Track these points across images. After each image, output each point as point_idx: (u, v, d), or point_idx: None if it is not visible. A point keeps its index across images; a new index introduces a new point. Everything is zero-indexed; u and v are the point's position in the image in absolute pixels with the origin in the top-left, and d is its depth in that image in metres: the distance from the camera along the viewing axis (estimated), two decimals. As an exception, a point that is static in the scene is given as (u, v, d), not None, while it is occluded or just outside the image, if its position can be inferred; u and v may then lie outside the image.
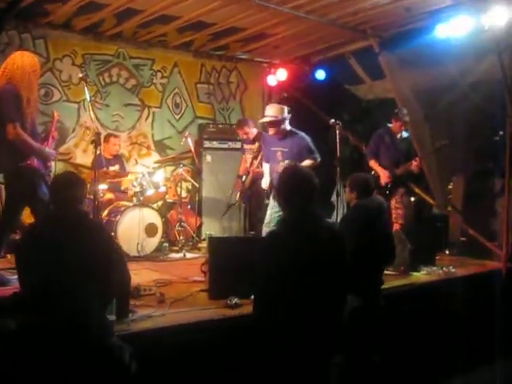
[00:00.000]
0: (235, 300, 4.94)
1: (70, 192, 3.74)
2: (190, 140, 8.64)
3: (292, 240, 3.49)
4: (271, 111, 6.97)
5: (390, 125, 7.99)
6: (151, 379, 3.86)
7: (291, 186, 3.67)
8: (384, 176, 7.63)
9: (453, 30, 7.46)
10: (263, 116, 7.19)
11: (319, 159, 6.90)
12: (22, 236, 4.02)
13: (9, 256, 6.74)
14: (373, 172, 7.66)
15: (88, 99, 6.09)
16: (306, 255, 3.43)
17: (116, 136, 8.77)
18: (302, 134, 7.04)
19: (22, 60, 5.48)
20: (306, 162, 6.71)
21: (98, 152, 5.78)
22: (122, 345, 3.60)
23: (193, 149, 8.75)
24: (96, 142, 5.69)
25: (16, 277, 5.35)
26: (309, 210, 3.59)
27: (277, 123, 6.88)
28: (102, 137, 8.16)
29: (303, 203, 3.58)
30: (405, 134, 7.98)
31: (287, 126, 6.99)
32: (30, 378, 3.31)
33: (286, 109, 7.02)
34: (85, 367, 3.31)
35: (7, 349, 3.57)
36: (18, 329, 3.66)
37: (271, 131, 6.97)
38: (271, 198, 6.92)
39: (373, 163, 7.88)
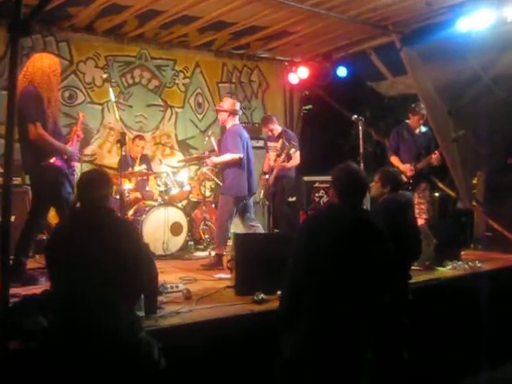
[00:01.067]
0: (262, 295, 4.97)
1: (97, 190, 3.78)
2: (213, 139, 8.66)
3: (330, 224, 3.60)
4: (223, 102, 7.51)
5: (407, 121, 8.00)
6: (179, 374, 3.88)
7: (343, 181, 3.82)
8: (406, 170, 7.64)
9: (475, 23, 7.41)
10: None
11: (238, 155, 7.09)
12: (50, 235, 4.08)
13: (37, 256, 6.84)
14: (394, 168, 7.63)
15: (113, 100, 6.17)
16: (343, 243, 3.51)
17: (141, 138, 8.83)
18: (235, 129, 7.31)
19: (42, 62, 5.63)
20: (226, 156, 7.13)
21: (123, 152, 5.85)
22: (151, 340, 3.64)
23: (216, 148, 8.78)
24: (121, 142, 5.77)
25: (45, 276, 5.50)
26: (357, 204, 3.75)
27: (222, 113, 7.34)
28: (129, 137, 8.26)
29: (354, 198, 3.74)
30: (423, 129, 7.98)
31: (234, 120, 7.33)
32: (61, 374, 3.36)
33: (237, 104, 7.41)
34: (115, 362, 3.36)
35: (39, 345, 3.64)
36: (50, 326, 3.73)
37: (219, 121, 7.62)
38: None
39: (393, 159, 7.91)
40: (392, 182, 5.02)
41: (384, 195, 4.99)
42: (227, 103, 7.33)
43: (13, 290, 4.19)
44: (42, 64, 5.61)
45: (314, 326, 3.47)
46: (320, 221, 3.70)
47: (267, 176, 8.07)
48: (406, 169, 7.67)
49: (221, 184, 9.12)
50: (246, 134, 7.31)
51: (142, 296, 4.25)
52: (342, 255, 3.48)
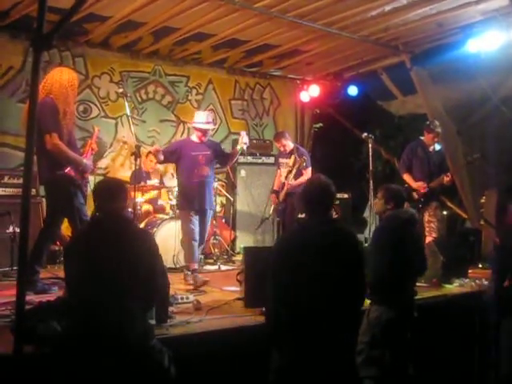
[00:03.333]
0: (270, 308, 5.02)
1: (117, 200, 3.85)
2: (224, 155, 8.76)
3: (305, 240, 3.71)
4: (207, 117, 7.22)
5: (422, 138, 7.99)
6: (188, 381, 3.94)
7: (311, 194, 3.89)
8: (420, 187, 7.58)
9: (484, 44, 7.53)
10: (199, 123, 7.15)
11: None
12: (69, 242, 4.16)
13: (49, 267, 6.95)
14: (406, 185, 7.64)
15: (128, 113, 6.29)
16: (321, 255, 3.63)
17: None
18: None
19: (61, 75, 5.76)
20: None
21: (137, 164, 5.96)
22: (162, 348, 3.72)
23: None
24: (136, 155, 5.88)
25: (57, 285, 5.59)
26: (325, 216, 3.84)
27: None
28: (144, 152, 8.36)
29: (320, 209, 3.81)
30: (437, 147, 7.96)
31: None
32: (74, 378, 3.44)
33: None
34: (128, 367, 3.43)
35: (54, 350, 3.72)
36: (64, 331, 3.81)
37: (203, 137, 7.12)
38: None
39: (406, 176, 7.83)
40: (395, 198, 5.03)
41: (387, 212, 5.02)
42: (211, 116, 7.43)
43: (26, 298, 4.26)
44: (60, 77, 5.73)
45: (302, 338, 3.59)
46: (294, 239, 3.80)
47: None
48: (419, 186, 7.61)
49: (231, 199, 9.24)
50: None
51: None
52: (322, 268, 3.60)
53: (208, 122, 7.14)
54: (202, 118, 7.12)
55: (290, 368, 3.66)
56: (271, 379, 3.77)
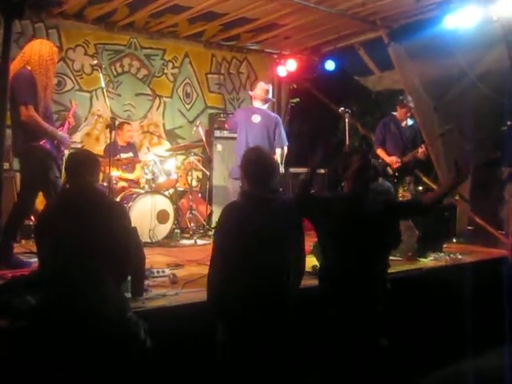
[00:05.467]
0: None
1: (87, 172, 3.83)
2: (200, 129, 8.73)
3: (249, 209, 3.81)
4: None
5: (394, 113, 8.03)
6: (164, 354, 3.95)
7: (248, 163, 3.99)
8: (392, 162, 7.65)
9: (461, 20, 7.51)
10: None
11: None
12: (39, 215, 4.12)
13: (23, 241, 6.89)
14: (380, 160, 7.68)
15: (103, 85, 6.21)
16: (260, 222, 3.73)
17: (129, 123, 8.86)
18: None
19: (41, 47, 5.65)
20: None
21: (112, 137, 5.90)
22: (138, 320, 3.72)
23: (204, 138, 8.84)
24: (111, 127, 5.82)
25: (32, 260, 5.55)
26: (266, 184, 3.90)
27: None
28: (117, 124, 8.27)
29: (260, 178, 3.90)
30: (410, 122, 8.02)
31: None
32: (50, 352, 3.42)
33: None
34: (103, 340, 3.43)
35: (28, 324, 3.70)
36: (37, 305, 3.78)
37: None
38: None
39: (380, 152, 7.89)
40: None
41: None
42: None
43: (0, 273, 4.23)
44: (40, 49, 5.62)
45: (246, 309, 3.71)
46: (240, 210, 3.86)
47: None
48: (392, 161, 7.67)
49: (207, 174, 9.18)
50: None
51: (129, 278, 4.31)
52: (268, 237, 3.72)
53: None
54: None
55: (232, 344, 3.78)
56: (217, 353, 3.88)
